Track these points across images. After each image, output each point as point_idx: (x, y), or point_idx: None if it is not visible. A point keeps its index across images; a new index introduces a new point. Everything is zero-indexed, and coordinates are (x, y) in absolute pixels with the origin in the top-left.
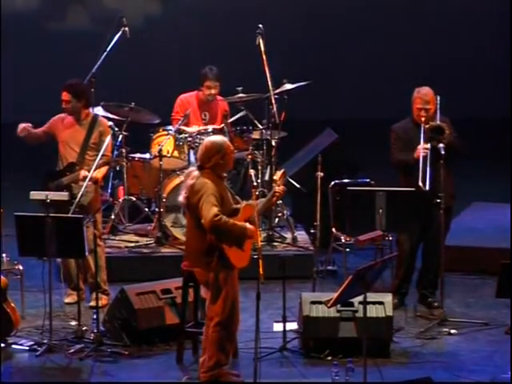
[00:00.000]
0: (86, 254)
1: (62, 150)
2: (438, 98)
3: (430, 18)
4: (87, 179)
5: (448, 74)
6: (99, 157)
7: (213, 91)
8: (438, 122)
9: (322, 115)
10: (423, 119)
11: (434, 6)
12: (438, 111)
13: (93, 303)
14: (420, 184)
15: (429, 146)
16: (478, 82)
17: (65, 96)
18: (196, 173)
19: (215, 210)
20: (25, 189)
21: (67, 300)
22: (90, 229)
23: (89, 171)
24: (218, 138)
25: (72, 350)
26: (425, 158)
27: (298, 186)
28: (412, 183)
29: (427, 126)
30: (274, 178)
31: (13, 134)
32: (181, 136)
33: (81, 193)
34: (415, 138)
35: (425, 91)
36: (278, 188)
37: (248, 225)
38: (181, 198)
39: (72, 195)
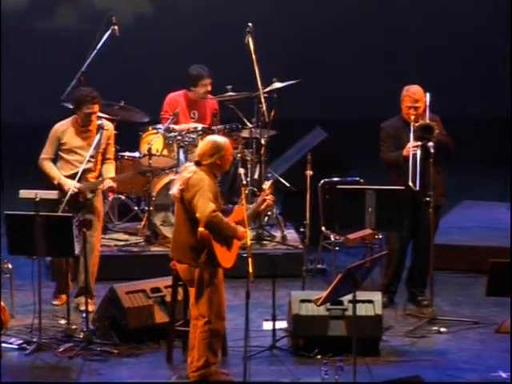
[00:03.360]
0: (76, 252)
1: (66, 156)
2: (428, 95)
3: (426, 16)
4: (77, 177)
5: (444, 73)
6: (86, 160)
7: (209, 88)
8: (427, 121)
9: (312, 114)
10: (413, 117)
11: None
12: (428, 109)
13: (82, 307)
14: (410, 184)
15: (419, 143)
16: (478, 81)
17: (97, 108)
18: (193, 167)
19: (213, 205)
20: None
21: (56, 302)
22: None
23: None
24: (221, 138)
25: (61, 349)
26: (414, 156)
27: (287, 184)
28: (404, 182)
29: (416, 124)
30: (264, 186)
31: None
32: (170, 135)
33: (70, 191)
34: (404, 136)
35: (414, 89)
36: (269, 198)
37: (240, 227)
38: (174, 190)
39: (86, 199)
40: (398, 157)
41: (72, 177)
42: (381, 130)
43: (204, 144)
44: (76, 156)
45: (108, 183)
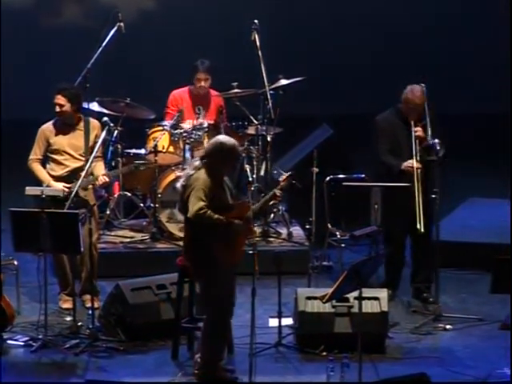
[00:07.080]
0: (82, 249)
1: (55, 156)
2: (425, 89)
3: (431, 15)
4: (83, 175)
5: (448, 71)
6: (92, 158)
7: (203, 83)
8: (431, 142)
9: (318, 111)
10: (413, 121)
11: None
12: (426, 106)
13: (88, 304)
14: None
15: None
16: (477, 79)
17: (59, 99)
18: (197, 163)
19: (201, 203)
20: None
21: (65, 306)
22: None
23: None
24: (231, 141)
25: (67, 346)
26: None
27: (293, 181)
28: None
29: (422, 144)
30: (280, 179)
31: (7, 132)
32: (176, 131)
33: (76, 187)
34: (400, 134)
35: (417, 92)
36: (280, 192)
37: (236, 221)
38: (178, 185)
39: (79, 197)
40: (395, 165)
41: (63, 176)
42: (375, 123)
43: (213, 142)
44: (65, 155)
45: (102, 179)
